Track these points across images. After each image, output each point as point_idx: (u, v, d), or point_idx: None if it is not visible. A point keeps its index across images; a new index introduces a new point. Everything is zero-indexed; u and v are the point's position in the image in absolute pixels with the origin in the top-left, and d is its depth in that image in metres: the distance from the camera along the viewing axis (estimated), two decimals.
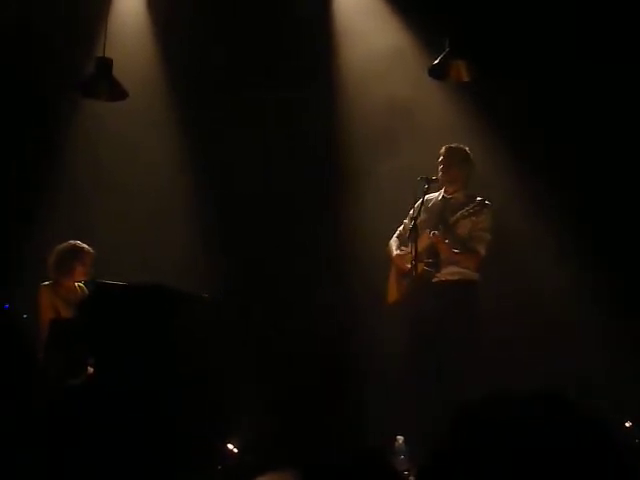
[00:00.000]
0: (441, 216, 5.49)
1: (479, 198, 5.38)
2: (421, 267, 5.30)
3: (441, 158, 5.54)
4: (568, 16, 5.83)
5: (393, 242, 5.74)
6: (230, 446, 4.76)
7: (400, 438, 4.85)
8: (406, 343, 5.35)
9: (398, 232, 5.75)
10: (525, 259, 5.96)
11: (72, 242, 5.55)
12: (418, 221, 5.28)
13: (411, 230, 5.27)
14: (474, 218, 5.36)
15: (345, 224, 6.34)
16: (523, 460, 0.97)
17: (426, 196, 5.54)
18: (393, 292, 5.64)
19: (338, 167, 6.52)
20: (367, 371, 5.87)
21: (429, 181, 5.43)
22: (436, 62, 5.45)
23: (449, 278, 5.38)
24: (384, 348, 5.66)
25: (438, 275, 5.39)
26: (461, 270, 5.39)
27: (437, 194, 5.66)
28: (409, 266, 5.25)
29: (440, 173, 5.52)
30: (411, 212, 5.40)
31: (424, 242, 5.30)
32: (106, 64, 5.67)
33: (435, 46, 5.54)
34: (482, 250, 5.41)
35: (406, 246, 5.52)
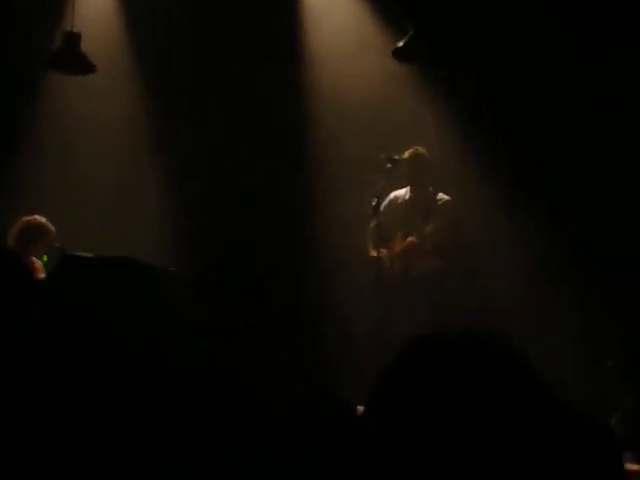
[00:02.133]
0: (411, 220, 5.66)
1: (441, 197, 5.66)
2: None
3: (411, 166, 5.64)
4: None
5: (369, 240, 5.77)
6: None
7: (361, 408, 4.93)
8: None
9: (371, 230, 5.73)
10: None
11: (35, 217, 5.36)
12: (385, 217, 5.46)
13: (374, 208, 5.39)
14: (439, 219, 5.61)
15: (318, 205, 6.38)
16: (454, 395, 1.11)
17: (393, 193, 5.70)
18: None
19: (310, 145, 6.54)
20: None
21: (392, 161, 5.52)
22: (400, 44, 5.55)
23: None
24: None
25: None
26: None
27: (404, 192, 5.81)
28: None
29: (410, 179, 5.69)
30: (375, 200, 5.42)
31: (398, 246, 5.56)
32: (74, 38, 5.77)
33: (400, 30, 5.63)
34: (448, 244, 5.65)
35: (383, 245, 5.62)
